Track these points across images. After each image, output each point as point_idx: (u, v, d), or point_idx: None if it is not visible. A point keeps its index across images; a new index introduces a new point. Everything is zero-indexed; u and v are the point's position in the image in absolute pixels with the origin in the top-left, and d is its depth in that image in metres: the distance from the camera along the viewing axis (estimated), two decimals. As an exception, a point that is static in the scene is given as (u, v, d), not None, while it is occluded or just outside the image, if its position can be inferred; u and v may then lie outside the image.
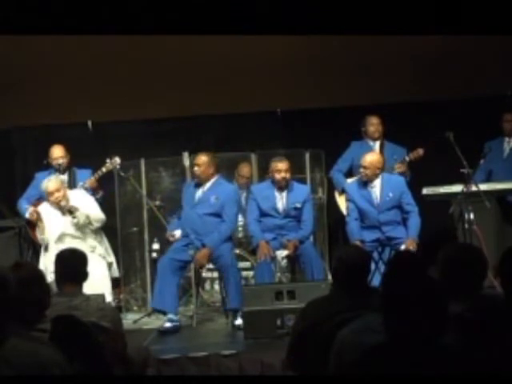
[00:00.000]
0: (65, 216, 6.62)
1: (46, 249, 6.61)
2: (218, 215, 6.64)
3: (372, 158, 6.84)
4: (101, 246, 6.76)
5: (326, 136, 7.96)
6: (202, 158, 6.69)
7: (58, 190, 6.56)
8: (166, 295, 6.40)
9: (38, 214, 6.67)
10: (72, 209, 6.57)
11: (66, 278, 4.03)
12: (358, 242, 6.50)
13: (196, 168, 6.69)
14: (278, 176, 6.75)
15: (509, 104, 8.00)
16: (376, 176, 6.75)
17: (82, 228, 6.62)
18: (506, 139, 7.53)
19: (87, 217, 6.59)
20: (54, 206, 6.63)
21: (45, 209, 6.71)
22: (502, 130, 7.52)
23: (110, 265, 6.76)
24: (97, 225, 6.71)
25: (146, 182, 7.67)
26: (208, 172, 6.68)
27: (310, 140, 7.89)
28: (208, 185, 6.71)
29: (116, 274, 6.92)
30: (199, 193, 6.71)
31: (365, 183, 6.81)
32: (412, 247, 6.41)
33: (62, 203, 6.57)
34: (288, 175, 6.77)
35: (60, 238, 6.58)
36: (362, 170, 6.76)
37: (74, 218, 6.55)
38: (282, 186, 6.79)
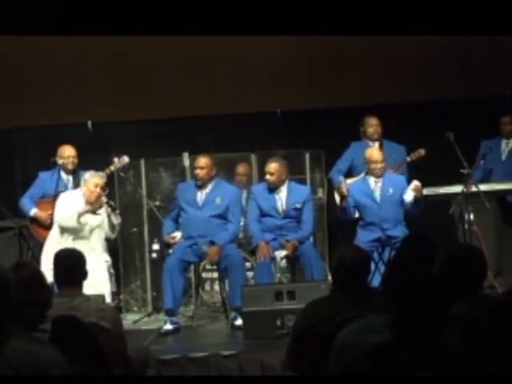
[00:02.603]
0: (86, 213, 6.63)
1: (62, 233, 6.58)
2: (222, 217, 6.64)
3: (378, 152, 6.95)
4: (107, 253, 6.77)
5: (326, 136, 7.95)
6: (205, 161, 6.64)
7: (103, 188, 6.59)
8: (178, 296, 6.40)
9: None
10: (113, 205, 6.63)
11: (66, 279, 4.03)
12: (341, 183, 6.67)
13: (199, 171, 6.63)
14: (266, 177, 6.80)
15: (509, 104, 8.00)
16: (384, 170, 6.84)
17: (95, 231, 6.63)
18: (504, 140, 7.51)
19: (117, 223, 6.65)
20: (87, 199, 6.60)
21: (72, 195, 6.70)
22: (500, 131, 7.51)
23: (110, 274, 6.75)
24: (114, 235, 6.77)
25: (145, 183, 7.67)
26: (211, 174, 6.66)
27: (310, 140, 7.89)
28: (210, 186, 6.68)
29: (113, 288, 6.88)
30: (202, 195, 6.68)
31: (364, 179, 6.90)
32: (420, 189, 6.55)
33: (102, 199, 6.60)
34: (274, 177, 6.75)
35: (66, 238, 6.57)
36: (375, 165, 6.80)
37: (114, 211, 6.59)
38: (272, 187, 6.80)
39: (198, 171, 6.65)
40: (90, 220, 6.61)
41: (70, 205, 6.61)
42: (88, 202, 6.60)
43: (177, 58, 7.78)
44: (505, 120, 7.46)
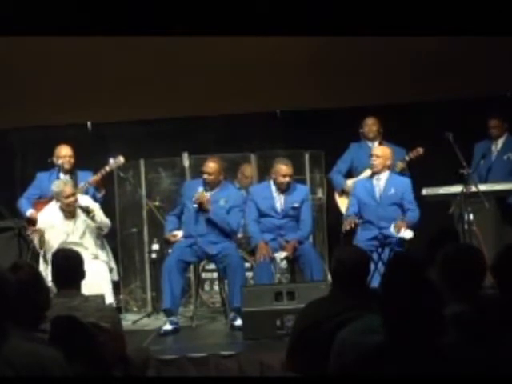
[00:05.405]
0: (69, 221, 6.64)
1: (45, 258, 6.57)
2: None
3: (384, 149, 7.01)
4: (103, 251, 6.77)
5: (326, 137, 7.95)
6: (213, 166, 6.62)
7: (73, 194, 6.60)
8: (177, 296, 6.40)
9: (41, 232, 6.63)
10: (89, 208, 6.61)
11: (64, 280, 4.03)
12: (353, 218, 6.61)
13: (206, 176, 6.60)
14: (281, 179, 6.73)
15: (508, 104, 8.00)
16: (385, 168, 6.83)
17: (86, 234, 6.64)
18: (494, 142, 7.52)
19: (101, 219, 6.65)
20: (63, 209, 6.61)
21: (48, 214, 6.70)
22: (488, 134, 7.51)
23: (110, 269, 6.76)
24: (106, 230, 6.77)
25: (145, 183, 7.66)
26: (218, 178, 6.65)
27: (310, 141, 7.89)
28: (216, 189, 6.67)
29: (115, 277, 6.90)
30: (206, 196, 6.68)
31: (371, 178, 6.90)
32: (402, 229, 6.46)
33: (76, 204, 6.61)
34: (289, 178, 6.77)
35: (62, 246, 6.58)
36: (373, 159, 6.84)
37: (93, 216, 6.57)
38: (283, 189, 6.79)
39: (205, 176, 6.63)
40: (76, 228, 6.63)
41: (51, 230, 6.61)
42: (64, 211, 6.64)
43: (177, 58, 7.77)
44: (492, 123, 7.46)
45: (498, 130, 7.45)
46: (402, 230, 6.49)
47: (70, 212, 6.64)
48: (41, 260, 6.64)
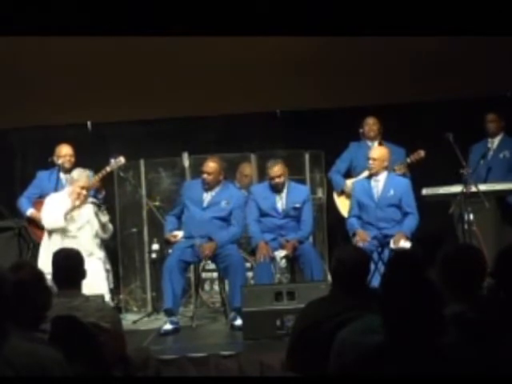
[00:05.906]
0: (73, 211, 6.64)
1: (50, 234, 6.59)
2: (225, 220, 6.64)
3: (381, 150, 6.98)
4: (100, 250, 6.76)
5: (326, 137, 7.95)
6: (212, 166, 6.63)
7: (87, 189, 6.60)
8: (178, 296, 6.39)
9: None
10: (99, 203, 6.63)
11: (65, 279, 4.03)
12: (359, 230, 6.62)
13: (206, 176, 6.62)
14: (272, 181, 6.79)
15: (509, 104, 8.00)
16: (382, 170, 6.82)
17: (84, 228, 6.63)
18: (489, 140, 7.49)
19: (106, 222, 6.65)
20: (72, 198, 6.61)
21: (58, 196, 6.70)
22: (485, 130, 7.48)
23: (107, 271, 6.74)
24: (108, 234, 6.77)
25: (145, 183, 7.66)
26: (218, 178, 6.66)
27: (310, 141, 7.89)
28: (217, 189, 6.68)
29: (111, 285, 6.88)
30: (208, 196, 6.67)
31: (370, 178, 6.90)
32: (401, 241, 6.45)
33: (89, 200, 6.64)
34: (282, 178, 6.78)
35: (54, 238, 6.57)
36: (370, 162, 6.85)
37: (103, 210, 6.60)
38: (278, 189, 6.81)
39: (205, 176, 6.64)
40: (76, 219, 6.62)
41: (55, 206, 6.63)
42: (73, 202, 6.64)
43: (177, 58, 7.78)
44: (490, 118, 7.41)
45: (495, 124, 7.37)
46: (402, 241, 6.50)
47: (79, 202, 6.62)
48: (40, 256, 6.64)
